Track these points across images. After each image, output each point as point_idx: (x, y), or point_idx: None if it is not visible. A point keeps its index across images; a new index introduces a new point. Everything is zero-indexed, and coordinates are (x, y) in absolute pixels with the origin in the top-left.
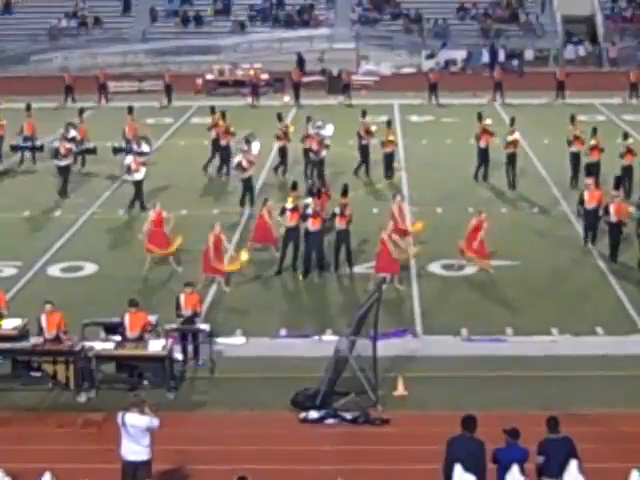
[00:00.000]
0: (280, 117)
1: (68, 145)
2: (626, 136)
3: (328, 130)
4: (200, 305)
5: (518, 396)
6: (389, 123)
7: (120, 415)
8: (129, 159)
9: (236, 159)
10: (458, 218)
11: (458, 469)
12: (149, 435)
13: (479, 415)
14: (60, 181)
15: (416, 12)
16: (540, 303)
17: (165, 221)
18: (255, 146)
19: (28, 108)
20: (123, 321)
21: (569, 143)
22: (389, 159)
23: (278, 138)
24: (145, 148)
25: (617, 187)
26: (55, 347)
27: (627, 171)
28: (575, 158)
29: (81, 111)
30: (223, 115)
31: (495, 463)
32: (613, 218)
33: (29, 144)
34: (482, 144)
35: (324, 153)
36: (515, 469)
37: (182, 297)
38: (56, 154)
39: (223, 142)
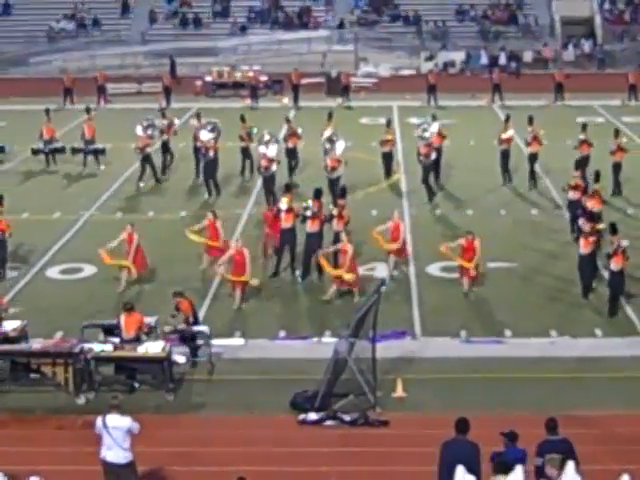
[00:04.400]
0: (243, 119)
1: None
2: (617, 133)
3: (339, 147)
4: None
5: (517, 398)
6: (389, 122)
7: (100, 418)
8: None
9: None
10: (457, 220)
11: (460, 470)
12: (130, 437)
13: (478, 417)
14: None
15: (415, 14)
16: (538, 305)
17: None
18: (340, 145)
19: (47, 112)
20: (119, 323)
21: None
22: (388, 158)
23: (242, 139)
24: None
25: (597, 180)
26: (54, 349)
27: (616, 168)
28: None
29: (88, 110)
30: (243, 119)
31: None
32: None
33: (49, 147)
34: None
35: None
36: (519, 469)
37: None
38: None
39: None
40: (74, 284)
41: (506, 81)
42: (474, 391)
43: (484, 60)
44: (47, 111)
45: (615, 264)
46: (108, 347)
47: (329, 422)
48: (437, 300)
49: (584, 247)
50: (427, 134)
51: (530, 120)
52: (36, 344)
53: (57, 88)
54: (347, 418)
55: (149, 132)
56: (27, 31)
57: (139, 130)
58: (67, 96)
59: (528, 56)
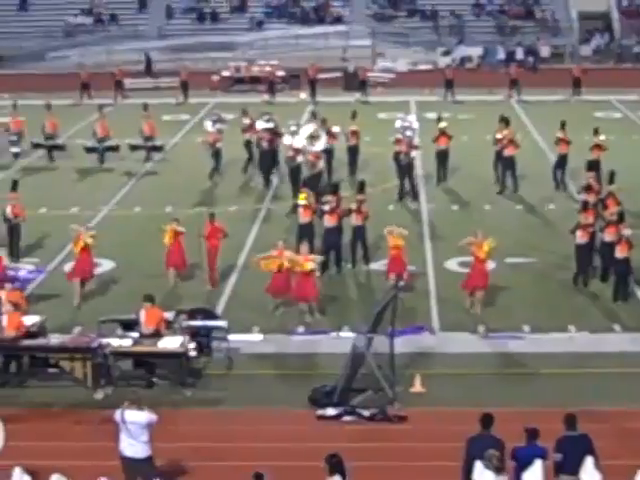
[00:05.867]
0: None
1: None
2: (596, 132)
3: (320, 143)
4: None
5: (535, 393)
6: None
7: (119, 412)
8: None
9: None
10: (474, 215)
11: (479, 466)
12: (148, 432)
13: (496, 412)
14: None
15: (432, 9)
16: (557, 300)
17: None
18: (322, 141)
19: (49, 107)
20: (139, 316)
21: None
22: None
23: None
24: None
25: (611, 181)
26: (72, 344)
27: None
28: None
29: (100, 107)
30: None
31: (513, 460)
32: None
33: (50, 142)
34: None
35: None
36: (538, 464)
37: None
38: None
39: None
40: (92, 279)
41: (523, 76)
42: (492, 386)
43: (501, 55)
44: (49, 105)
45: (620, 252)
46: (126, 342)
47: (348, 417)
48: (455, 295)
49: (580, 238)
50: (408, 132)
51: (507, 122)
52: (54, 339)
53: (74, 83)
54: (366, 413)
55: (218, 127)
56: (44, 26)
57: (208, 125)
58: (84, 91)
59: (545, 51)
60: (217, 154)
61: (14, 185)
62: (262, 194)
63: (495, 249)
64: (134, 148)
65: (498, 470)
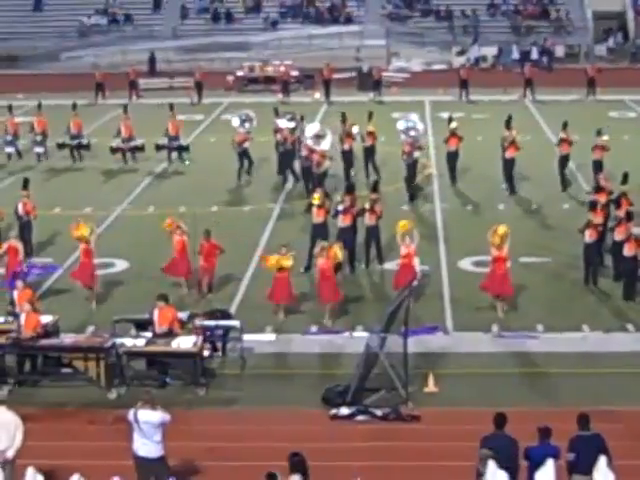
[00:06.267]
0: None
1: None
2: (599, 133)
3: (326, 143)
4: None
5: (549, 393)
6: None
7: (132, 412)
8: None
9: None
10: (488, 214)
11: (491, 466)
12: (161, 431)
13: (510, 412)
14: None
15: (446, 8)
16: (571, 300)
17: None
18: (327, 140)
19: (74, 107)
20: (152, 316)
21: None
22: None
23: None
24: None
25: (624, 182)
26: (86, 343)
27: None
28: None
29: (125, 107)
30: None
31: (526, 459)
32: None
33: (76, 142)
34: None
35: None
36: (550, 463)
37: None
38: None
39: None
40: (106, 279)
41: (538, 76)
42: (506, 386)
43: (516, 55)
44: (74, 105)
45: (628, 250)
46: (140, 342)
47: (361, 417)
48: (469, 295)
49: (589, 237)
50: (412, 133)
51: (508, 124)
52: (68, 339)
53: (89, 83)
54: (379, 413)
55: (247, 126)
56: (59, 27)
57: (236, 123)
58: (99, 91)
59: (560, 51)
60: (245, 154)
61: (25, 183)
62: (292, 193)
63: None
64: (159, 148)
65: None
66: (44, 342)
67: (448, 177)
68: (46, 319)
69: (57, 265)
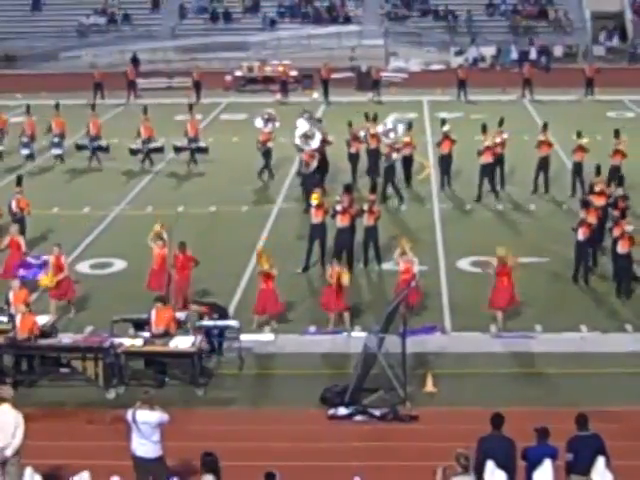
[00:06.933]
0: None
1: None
2: (579, 135)
3: (315, 142)
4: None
5: (547, 393)
6: (410, 125)
7: (130, 412)
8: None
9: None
10: (487, 214)
11: (490, 466)
12: (159, 431)
13: (508, 412)
14: None
15: (445, 8)
16: (569, 300)
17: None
18: (316, 140)
19: (93, 107)
20: (149, 316)
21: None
22: (408, 163)
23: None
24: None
25: (620, 184)
26: (84, 343)
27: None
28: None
29: (145, 109)
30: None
31: (524, 460)
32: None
33: (96, 144)
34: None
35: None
36: (547, 463)
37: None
38: None
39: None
40: (104, 279)
41: (536, 76)
42: (504, 386)
43: (514, 55)
44: (93, 106)
45: (621, 248)
46: (138, 342)
47: (359, 417)
48: (467, 295)
49: (582, 235)
50: (392, 135)
51: (616, 133)
52: (66, 339)
53: (87, 83)
54: (377, 413)
55: (270, 126)
56: (57, 26)
57: (259, 123)
58: (97, 91)
59: (558, 50)
60: (268, 153)
61: (19, 180)
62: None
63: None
64: (178, 150)
65: (465, 469)
66: (43, 342)
67: (440, 181)
68: (44, 319)
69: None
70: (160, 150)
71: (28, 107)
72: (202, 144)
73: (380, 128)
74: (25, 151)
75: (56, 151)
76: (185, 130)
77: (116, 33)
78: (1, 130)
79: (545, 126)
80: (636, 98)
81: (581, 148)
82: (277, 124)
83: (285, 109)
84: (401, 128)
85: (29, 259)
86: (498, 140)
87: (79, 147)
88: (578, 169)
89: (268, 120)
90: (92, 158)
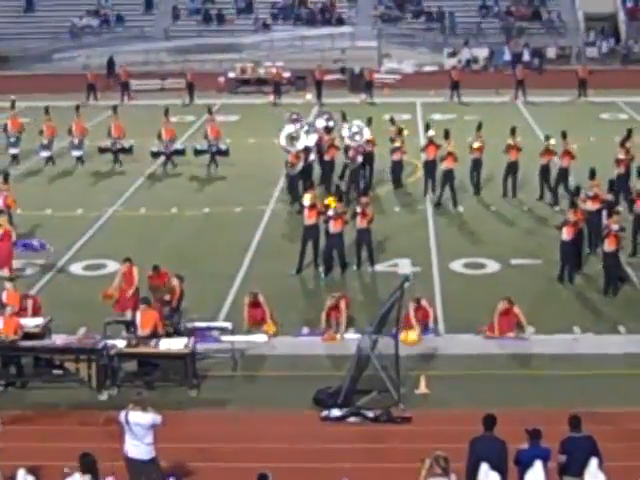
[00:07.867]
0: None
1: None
2: (547, 137)
3: (300, 143)
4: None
5: (540, 394)
6: (400, 131)
7: (123, 414)
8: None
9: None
10: (480, 216)
11: (484, 468)
12: (152, 433)
13: (501, 413)
14: None
15: (438, 10)
16: (562, 302)
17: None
18: (302, 141)
19: (115, 109)
20: (134, 319)
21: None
22: (398, 168)
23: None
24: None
25: (611, 189)
26: (77, 345)
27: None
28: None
29: (166, 111)
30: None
31: (517, 464)
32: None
33: (118, 146)
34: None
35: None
36: (538, 464)
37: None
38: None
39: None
40: (97, 280)
41: (529, 77)
42: (497, 388)
43: (507, 56)
44: (115, 108)
45: (608, 246)
46: (123, 343)
47: (352, 418)
48: (460, 296)
49: (567, 235)
50: (357, 137)
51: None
52: (59, 340)
53: (80, 84)
54: (370, 414)
55: (329, 126)
56: (50, 27)
57: (321, 125)
58: (90, 92)
59: (551, 52)
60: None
61: (5, 177)
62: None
63: (499, 252)
64: (199, 152)
65: (444, 471)
66: (36, 343)
67: (424, 186)
68: (37, 321)
69: (44, 243)
70: (181, 153)
71: (47, 108)
72: (222, 146)
73: (345, 132)
74: (44, 153)
75: (75, 153)
76: (205, 133)
77: (109, 34)
78: (18, 133)
79: (514, 130)
80: (630, 100)
81: (548, 151)
82: (336, 125)
83: (278, 111)
84: (367, 131)
85: (26, 241)
86: (476, 145)
87: (102, 150)
88: (545, 172)
89: (329, 120)
90: (115, 160)
